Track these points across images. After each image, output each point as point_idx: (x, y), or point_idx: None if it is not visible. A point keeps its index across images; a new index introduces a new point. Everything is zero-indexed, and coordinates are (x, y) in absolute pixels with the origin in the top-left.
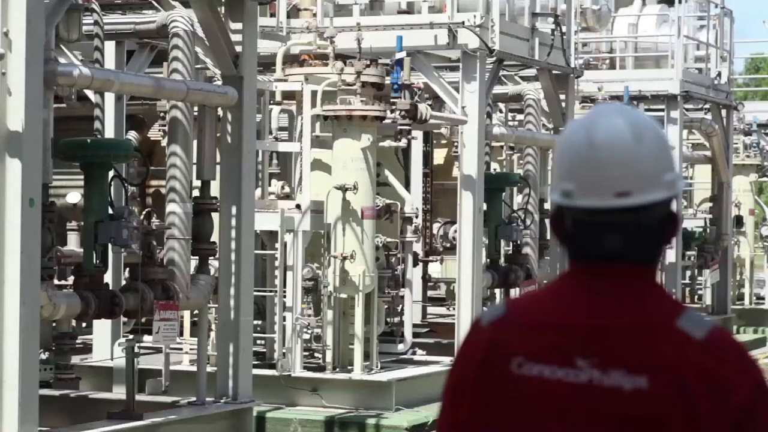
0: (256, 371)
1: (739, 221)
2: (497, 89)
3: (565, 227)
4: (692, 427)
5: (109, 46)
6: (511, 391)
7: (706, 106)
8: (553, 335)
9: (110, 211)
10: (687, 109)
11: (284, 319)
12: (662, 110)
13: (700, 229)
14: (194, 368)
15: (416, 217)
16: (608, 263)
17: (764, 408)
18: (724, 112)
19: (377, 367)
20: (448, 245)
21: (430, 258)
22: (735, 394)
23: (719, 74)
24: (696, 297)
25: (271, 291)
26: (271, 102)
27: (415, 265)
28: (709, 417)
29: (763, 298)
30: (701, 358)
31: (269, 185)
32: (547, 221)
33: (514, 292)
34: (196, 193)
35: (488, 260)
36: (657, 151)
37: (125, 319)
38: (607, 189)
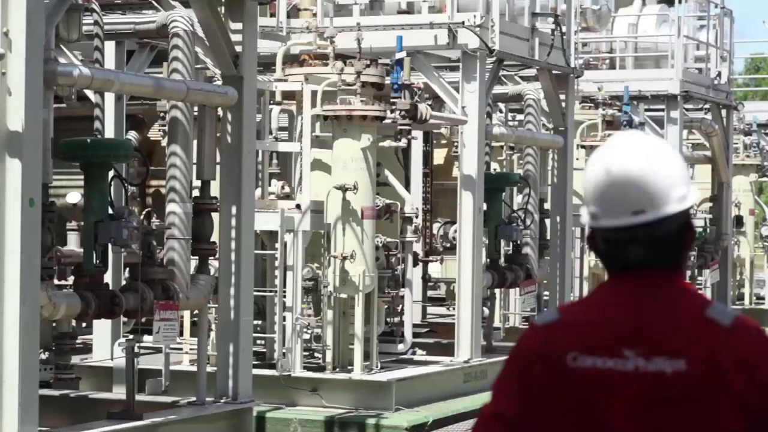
0: (256, 371)
1: (739, 221)
2: (497, 89)
3: (598, 244)
4: (726, 400)
5: (109, 46)
6: (568, 382)
7: (706, 106)
8: (601, 331)
9: (110, 211)
10: (687, 109)
11: (284, 319)
12: (662, 110)
13: (700, 229)
14: (194, 368)
15: (416, 217)
16: (636, 270)
17: None
18: (724, 112)
19: (377, 367)
20: (448, 245)
21: (430, 258)
22: (760, 369)
23: (719, 74)
24: None
25: (271, 291)
26: (271, 102)
27: (415, 265)
28: (741, 390)
29: (763, 298)
30: (729, 341)
31: (269, 185)
32: (546, 221)
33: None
34: (196, 193)
35: (488, 260)
36: (666, 170)
37: (125, 319)
38: (624, 209)
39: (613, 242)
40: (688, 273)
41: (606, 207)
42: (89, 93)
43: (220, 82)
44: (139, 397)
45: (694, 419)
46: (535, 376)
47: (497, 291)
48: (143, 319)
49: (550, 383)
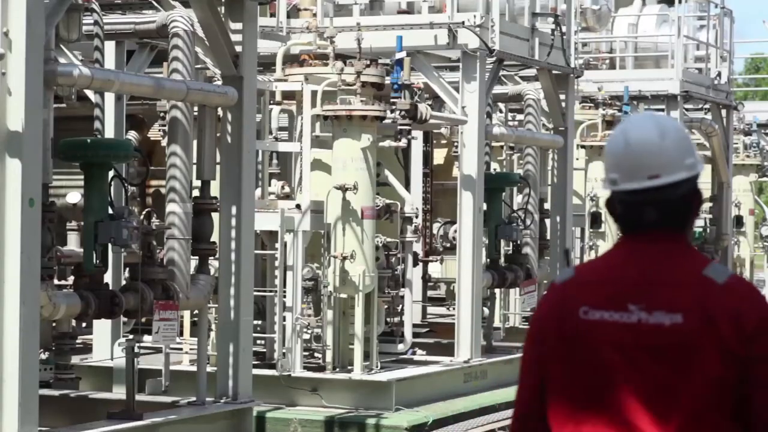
0: (256, 371)
1: (739, 221)
2: (497, 89)
3: (616, 208)
4: (716, 350)
5: (109, 46)
6: (579, 332)
7: (706, 106)
8: (610, 288)
9: (110, 211)
10: (687, 109)
11: (284, 319)
12: (662, 110)
13: (700, 229)
14: (194, 368)
15: (416, 217)
16: (648, 232)
17: (766, 332)
18: (724, 112)
19: (377, 367)
20: (448, 245)
21: (430, 258)
22: (747, 321)
23: (719, 74)
24: None
25: (271, 291)
26: (271, 102)
27: (415, 265)
28: (730, 340)
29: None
30: (722, 297)
31: (269, 185)
32: (546, 221)
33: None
34: (196, 193)
35: (488, 260)
36: (678, 142)
37: (125, 319)
38: (641, 174)
39: (630, 204)
40: None
41: (625, 173)
42: (89, 93)
43: (220, 82)
44: (139, 397)
45: (688, 367)
46: (552, 327)
47: (497, 291)
48: (143, 319)
49: (564, 333)
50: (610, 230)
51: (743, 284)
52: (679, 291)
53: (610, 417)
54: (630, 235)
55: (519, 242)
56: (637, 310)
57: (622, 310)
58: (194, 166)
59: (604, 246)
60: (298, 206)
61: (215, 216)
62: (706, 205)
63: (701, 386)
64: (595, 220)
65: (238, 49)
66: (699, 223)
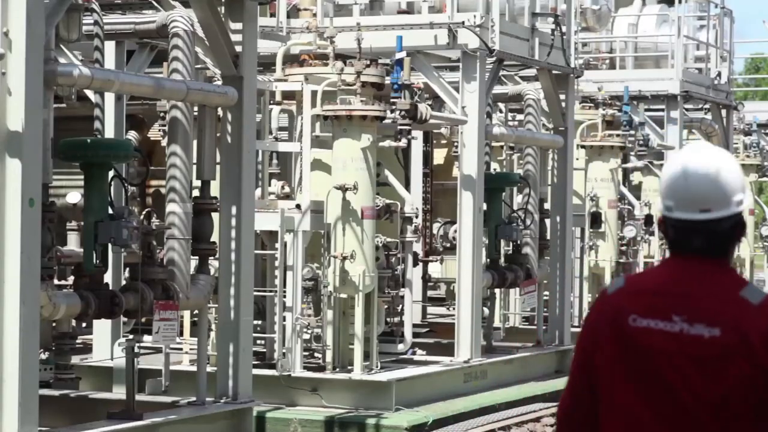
0: (256, 371)
1: None
2: (497, 89)
3: (668, 230)
4: (748, 363)
5: (109, 46)
6: (628, 338)
7: (706, 106)
8: (657, 299)
9: (110, 211)
10: (687, 109)
11: (284, 319)
12: (662, 110)
13: None
14: (194, 368)
15: (416, 217)
16: (695, 255)
17: None
18: (724, 112)
19: (377, 367)
20: (448, 245)
21: (430, 258)
22: None
23: (719, 74)
24: None
25: (271, 291)
26: (271, 102)
27: (415, 265)
28: (761, 355)
29: None
30: (756, 317)
31: (269, 185)
32: (546, 221)
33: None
34: (196, 193)
35: (488, 260)
36: (731, 180)
37: (125, 319)
38: (694, 207)
39: (681, 230)
40: None
41: (680, 202)
42: (89, 93)
43: (220, 82)
44: (139, 397)
45: (724, 376)
46: (602, 332)
47: (497, 291)
48: (143, 319)
49: (613, 338)
50: (610, 230)
51: None
52: (719, 308)
53: (656, 415)
54: (678, 255)
55: (519, 242)
56: (680, 321)
57: (666, 320)
58: (194, 166)
59: (604, 246)
60: (298, 206)
61: (215, 216)
62: None
63: (735, 394)
64: (595, 220)
65: (238, 49)
66: None
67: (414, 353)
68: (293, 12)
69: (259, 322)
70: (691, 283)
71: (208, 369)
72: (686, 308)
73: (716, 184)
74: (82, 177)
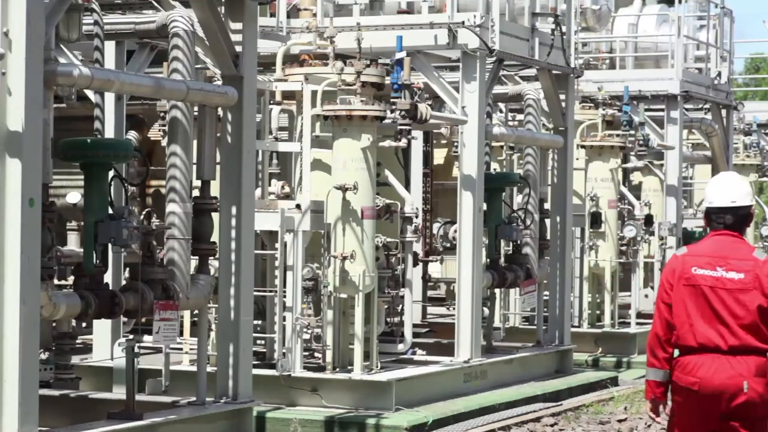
0: (256, 371)
1: None
2: (497, 89)
3: (710, 217)
4: (760, 292)
5: (109, 46)
6: (692, 280)
7: (706, 106)
8: (707, 259)
9: (110, 211)
10: (687, 109)
11: (284, 319)
12: (662, 110)
13: (700, 229)
14: (194, 368)
15: (416, 217)
16: (725, 231)
17: None
18: (724, 112)
19: (377, 367)
20: (448, 245)
21: (430, 258)
22: None
23: (719, 74)
24: None
25: (271, 291)
26: (271, 102)
27: (415, 265)
28: (766, 287)
29: None
30: (764, 267)
31: (269, 185)
32: (546, 221)
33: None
34: (196, 193)
35: (488, 260)
36: (744, 186)
37: (125, 319)
38: (727, 199)
39: (718, 213)
40: None
41: (718, 197)
42: (89, 93)
43: (220, 82)
44: (139, 397)
45: (745, 300)
46: (675, 279)
47: (497, 291)
48: (143, 319)
49: (684, 280)
50: (610, 230)
51: None
52: (742, 262)
53: (707, 321)
54: (715, 233)
55: (519, 242)
56: (721, 270)
57: (712, 269)
58: (194, 166)
59: (604, 246)
60: (298, 206)
61: (215, 216)
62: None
63: (751, 310)
64: (595, 220)
65: (238, 49)
66: (698, 223)
67: (414, 353)
68: (293, 12)
69: (259, 322)
70: (724, 249)
71: (208, 369)
72: (724, 263)
73: (738, 188)
74: (82, 177)
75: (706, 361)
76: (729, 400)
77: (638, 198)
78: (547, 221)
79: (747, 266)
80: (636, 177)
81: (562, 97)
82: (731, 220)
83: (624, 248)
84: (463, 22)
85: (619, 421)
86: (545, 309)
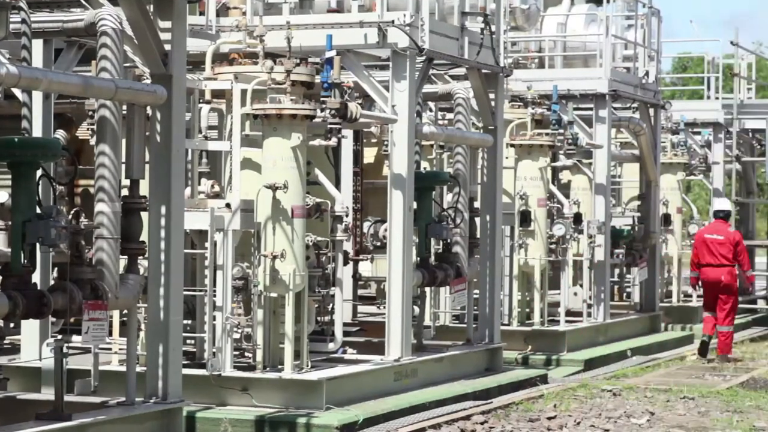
0: (185, 371)
1: (666, 219)
2: (427, 88)
3: (714, 213)
4: (732, 245)
5: (37, 45)
6: (705, 241)
7: (634, 105)
8: (711, 230)
9: (38, 210)
10: (615, 108)
11: (214, 318)
12: (591, 109)
13: (629, 228)
14: (123, 368)
15: (346, 215)
16: (719, 219)
17: (742, 243)
18: (651, 111)
19: (308, 366)
20: (379, 244)
21: (361, 257)
22: (737, 238)
23: (647, 73)
24: (624, 294)
25: (201, 290)
26: (201, 101)
27: (345, 263)
28: (733, 242)
29: (690, 296)
30: (733, 234)
31: (199, 184)
32: (476, 219)
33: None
34: (125, 192)
35: (418, 259)
36: (728, 201)
37: (53, 319)
38: (721, 206)
39: (717, 212)
40: (617, 271)
41: (716, 205)
42: (17, 92)
43: (149, 81)
44: (67, 398)
45: (726, 247)
46: (699, 240)
47: (427, 289)
48: (72, 319)
49: (702, 240)
50: (540, 229)
51: (738, 232)
52: (726, 232)
53: (711, 256)
54: (716, 219)
55: (449, 241)
56: (716, 235)
57: (716, 234)
58: (123, 165)
59: (534, 244)
60: (227, 205)
61: (144, 215)
62: (634, 204)
63: (730, 253)
64: (525, 218)
65: (167, 47)
66: (627, 222)
67: (344, 352)
68: (222, 10)
69: (189, 321)
70: (718, 227)
71: (138, 369)
72: (718, 232)
73: (726, 202)
74: (9, 176)
75: (709, 269)
76: (717, 284)
77: (567, 196)
78: (477, 220)
79: (728, 234)
80: (565, 175)
81: (492, 96)
82: (721, 214)
83: (553, 246)
84: (392, 21)
85: (549, 418)
86: (475, 307)
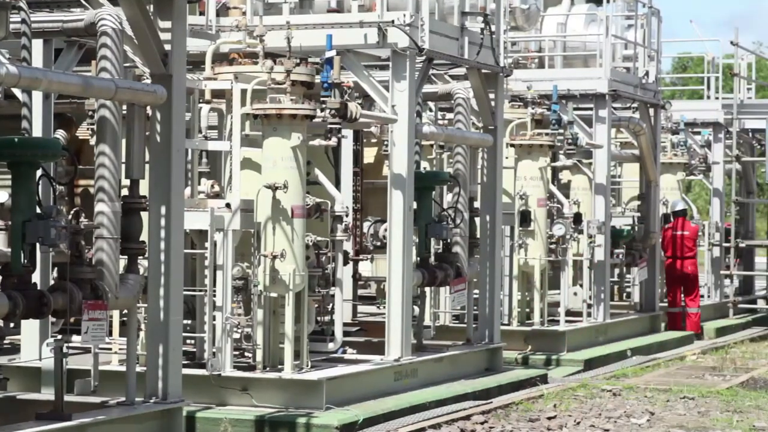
0: (185, 371)
1: (666, 219)
2: (427, 88)
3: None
4: (693, 239)
5: (37, 44)
6: (672, 235)
7: (634, 104)
8: (676, 225)
9: (38, 210)
10: (615, 108)
11: (214, 318)
12: (590, 109)
13: (629, 227)
14: (123, 368)
15: (346, 215)
16: (679, 216)
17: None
18: (651, 110)
19: (307, 366)
20: (378, 244)
21: (361, 257)
22: (695, 230)
23: (647, 73)
24: (624, 294)
25: (200, 290)
26: (201, 100)
27: (345, 263)
28: (693, 236)
29: None
30: (692, 229)
31: (199, 184)
32: (476, 219)
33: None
34: (125, 192)
35: (418, 259)
36: (683, 203)
37: (53, 319)
38: (678, 206)
39: (677, 212)
40: (617, 271)
41: (674, 206)
42: (17, 91)
43: (149, 81)
44: (67, 398)
45: (689, 241)
46: (666, 236)
47: (427, 289)
48: (72, 319)
49: (670, 236)
50: (540, 229)
51: (695, 226)
52: (687, 227)
53: (674, 253)
54: (675, 217)
55: (449, 241)
56: (680, 230)
57: (679, 230)
58: (123, 165)
59: (534, 244)
60: (227, 205)
61: (144, 215)
62: (634, 204)
63: (693, 246)
64: (525, 218)
65: (167, 47)
66: (627, 222)
67: (344, 352)
68: (222, 10)
69: (189, 321)
70: (678, 222)
71: (138, 369)
72: (681, 228)
73: (682, 202)
74: (9, 176)
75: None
76: (682, 273)
77: (567, 196)
78: (477, 220)
79: (689, 228)
80: (565, 175)
81: (492, 96)
82: (682, 214)
83: (553, 246)
84: (392, 21)
85: (549, 418)
86: (475, 307)
